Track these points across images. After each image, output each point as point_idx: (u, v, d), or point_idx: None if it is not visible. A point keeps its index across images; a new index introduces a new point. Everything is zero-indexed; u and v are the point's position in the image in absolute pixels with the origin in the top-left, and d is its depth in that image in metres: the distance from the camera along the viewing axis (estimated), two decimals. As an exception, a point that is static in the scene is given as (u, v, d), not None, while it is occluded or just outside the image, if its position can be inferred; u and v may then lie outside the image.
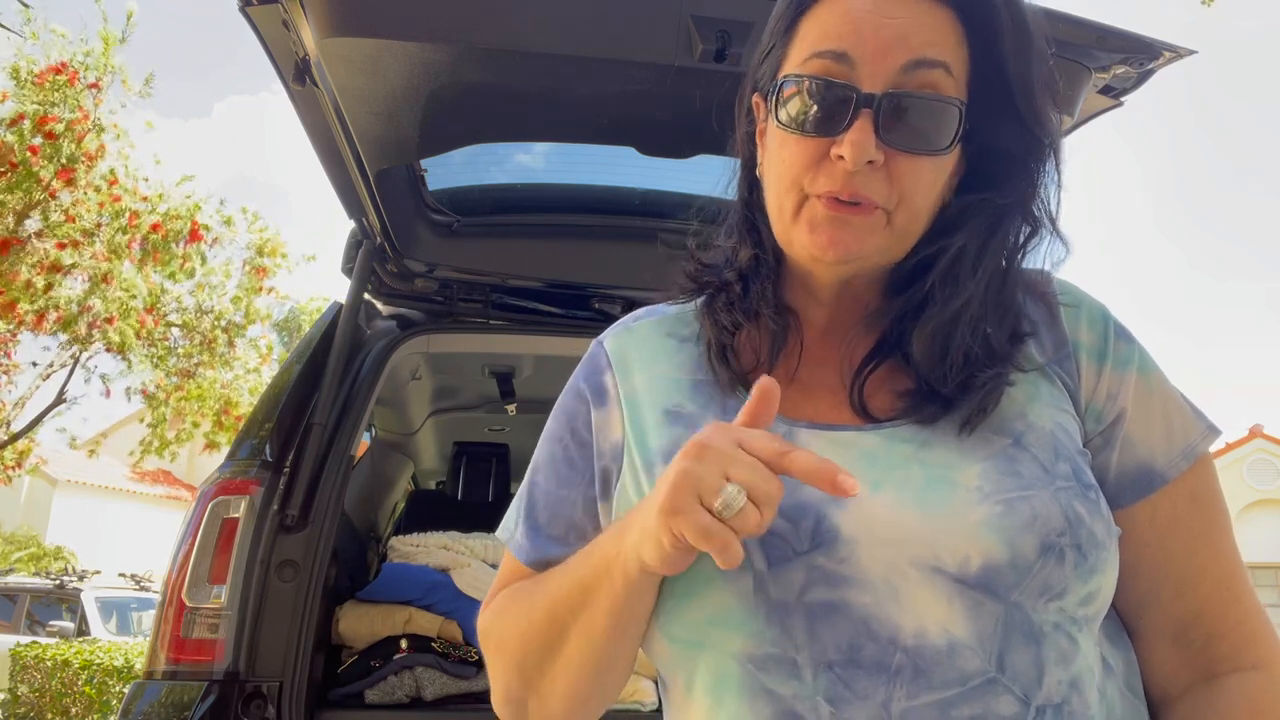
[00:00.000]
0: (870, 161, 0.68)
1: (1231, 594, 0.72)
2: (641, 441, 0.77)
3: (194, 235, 10.31)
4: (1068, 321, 0.77)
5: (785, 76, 0.73)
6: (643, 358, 0.82)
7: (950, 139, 0.70)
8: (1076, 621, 0.66)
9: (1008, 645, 0.64)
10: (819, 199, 0.71)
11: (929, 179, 0.71)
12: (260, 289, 11.19)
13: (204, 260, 10.64)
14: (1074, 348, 0.75)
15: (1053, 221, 0.75)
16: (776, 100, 0.73)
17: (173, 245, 10.04)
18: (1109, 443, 0.74)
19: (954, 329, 0.72)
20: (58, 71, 8.66)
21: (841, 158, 0.69)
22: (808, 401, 0.76)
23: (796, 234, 0.73)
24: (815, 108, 0.70)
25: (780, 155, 0.73)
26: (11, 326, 9.49)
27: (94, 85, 8.91)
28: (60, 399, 11.78)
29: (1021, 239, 0.76)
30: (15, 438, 11.43)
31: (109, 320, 9.69)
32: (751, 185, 0.81)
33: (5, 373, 10.82)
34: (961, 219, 0.74)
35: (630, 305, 2.58)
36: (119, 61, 9.09)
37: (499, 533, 0.85)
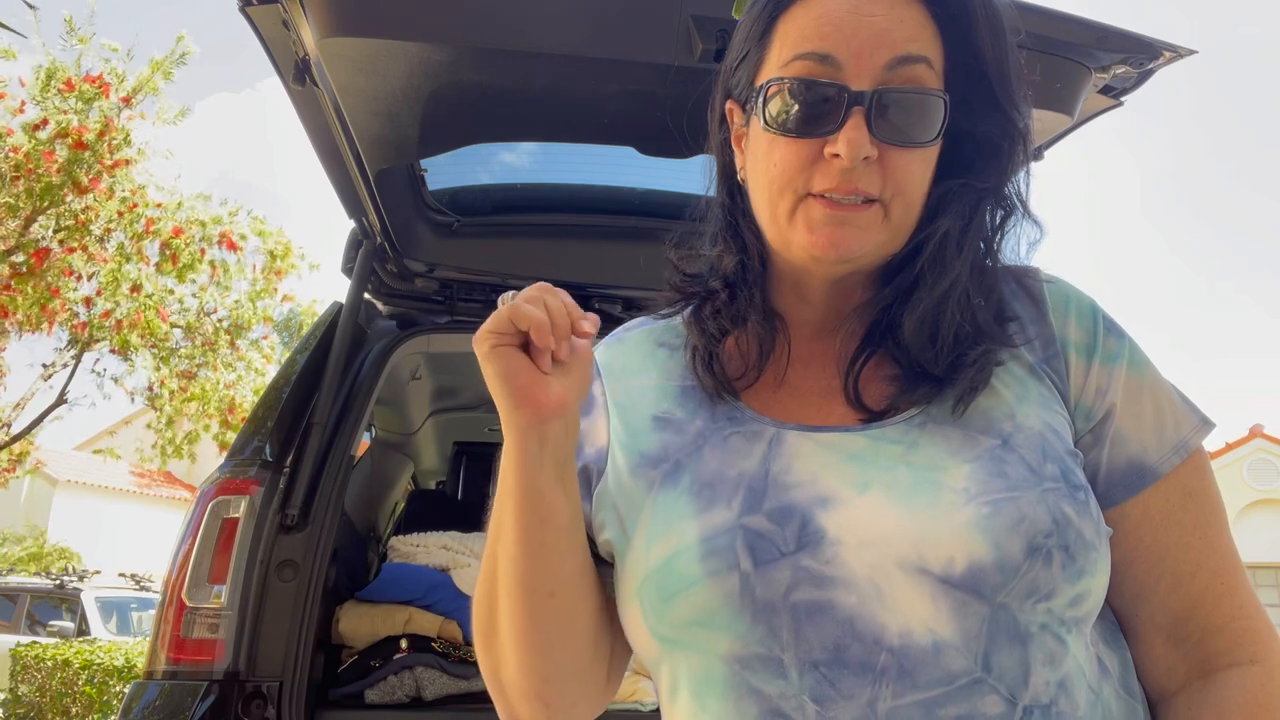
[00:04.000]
0: (865, 158, 0.69)
1: (1226, 588, 0.72)
2: (629, 446, 0.78)
3: (230, 245, 10.42)
4: (1056, 318, 0.77)
5: (770, 79, 0.73)
6: (632, 367, 0.84)
7: (937, 130, 0.71)
8: (1065, 623, 0.66)
9: (993, 645, 0.64)
10: (815, 199, 0.71)
11: (919, 170, 0.72)
12: (274, 290, 11.22)
13: (227, 269, 10.70)
14: (1062, 345, 0.76)
15: (1024, 203, 0.77)
16: (762, 104, 0.73)
17: (194, 251, 10.08)
18: (1099, 440, 0.74)
19: (943, 308, 0.73)
20: (92, 82, 8.71)
21: (837, 155, 0.69)
22: (798, 404, 0.77)
23: (794, 236, 0.73)
24: (806, 109, 0.71)
25: (770, 159, 0.73)
26: (8, 327, 9.49)
27: (126, 100, 8.94)
28: (61, 400, 11.76)
29: (998, 220, 0.77)
30: (15, 439, 11.41)
31: (136, 318, 9.73)
32: (732, 192, 0.82)
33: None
34: (944, 204, 0.75)
35: (629, 305, 2.59)
36: (160, 83, 9.14)
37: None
